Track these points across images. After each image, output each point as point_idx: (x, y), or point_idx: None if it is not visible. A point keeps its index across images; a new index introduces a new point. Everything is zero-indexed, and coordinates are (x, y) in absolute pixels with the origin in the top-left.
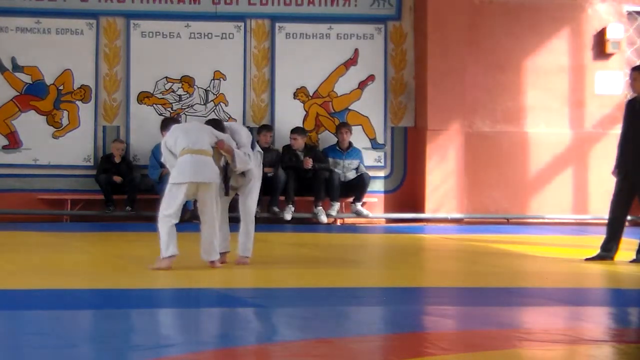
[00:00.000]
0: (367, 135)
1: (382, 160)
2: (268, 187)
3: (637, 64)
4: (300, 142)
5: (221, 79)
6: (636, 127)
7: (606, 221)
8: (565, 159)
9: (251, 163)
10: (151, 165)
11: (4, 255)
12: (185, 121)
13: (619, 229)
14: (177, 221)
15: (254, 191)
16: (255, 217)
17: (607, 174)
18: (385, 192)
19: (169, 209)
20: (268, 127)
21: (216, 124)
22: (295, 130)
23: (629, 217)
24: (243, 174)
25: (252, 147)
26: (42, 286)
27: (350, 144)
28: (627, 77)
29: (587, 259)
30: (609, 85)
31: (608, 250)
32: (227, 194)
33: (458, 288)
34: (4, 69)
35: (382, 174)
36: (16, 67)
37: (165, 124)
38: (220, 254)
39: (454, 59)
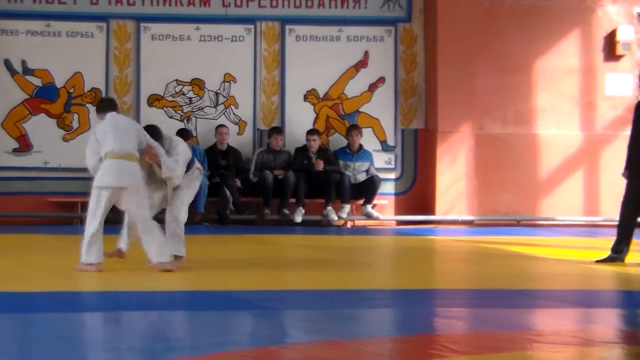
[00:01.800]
0: (377, 137)
1: (393, 163)
2: (278, 189)
3: None
4: (318, 144)
5: (231, 81)
6: None
7: (617, 223)
8: (576, 161)
9: (178, 172)
10: None
11: (14, 258)
12: (196, 124)
13: (630, 230)
14: (101, 228)
15: (183, 199)
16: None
17: (618, 176)
18: (396, 194)
19: (93, 216)
20: (279, 130)
21: (153, 130)
22: (314, 132)
23: (639, 219)
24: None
25: (191, 164)
26: (53, 289)
27: (360, 146)
28: (637, 79)
29: (597, 261)
30: (619, 87)
31: (619, 252)
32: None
33: (469, 290)
34: (14, 72)
35: (392, 176)
36: (27, 71)
37: (102, 108)
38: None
39: (464, 61)
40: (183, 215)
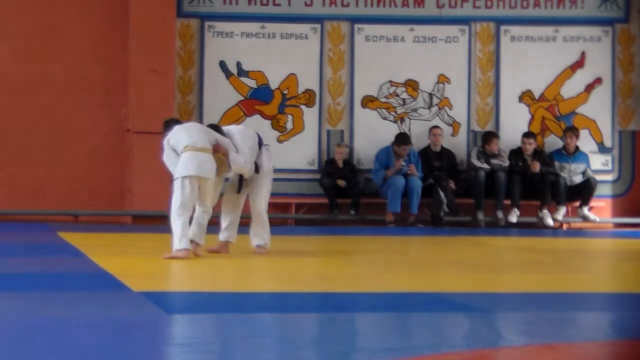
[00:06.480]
0: (594, 139)
1: (610, 164)
2: (491, 191)
3: None
4: (533, 147)
5: (445, 82)
6: None
7: None
8: None
9: (247, 166)
10: (375, 169)
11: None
12: (409, 126)
13: None
14: (190, 214)
15: (263, 188)
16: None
17: None
18: (613, 196)
19: (180, 205)
20: (495, 135)
21: (216, 128)
22: (530, 135)
23: None
24: (257, 170)
25: (260, 145)
26: (267, 290)
27: (576, 147)
28: None
29: None
30: None
31: None
32: (239, 191)
33: None
34: (229, 74)
35: (609, 178)
36: (241, 72)
37: (168, 125)
38: (224, 242)
39: None
40: (264, 206)
